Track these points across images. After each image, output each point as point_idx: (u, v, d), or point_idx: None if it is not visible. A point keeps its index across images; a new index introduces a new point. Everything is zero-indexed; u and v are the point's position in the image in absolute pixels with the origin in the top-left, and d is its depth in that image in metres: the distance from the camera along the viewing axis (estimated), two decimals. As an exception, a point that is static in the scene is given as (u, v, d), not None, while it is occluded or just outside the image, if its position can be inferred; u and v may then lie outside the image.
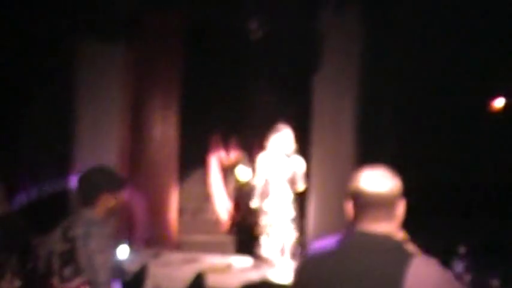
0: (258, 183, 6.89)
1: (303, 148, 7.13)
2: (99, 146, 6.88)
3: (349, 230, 2.27)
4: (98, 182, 3.47)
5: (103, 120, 7.01)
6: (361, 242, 2.21)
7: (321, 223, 7.18)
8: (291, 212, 6.81)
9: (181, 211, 8.11)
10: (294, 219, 6.82)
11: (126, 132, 7.39)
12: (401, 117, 7.69)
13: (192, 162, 8.31)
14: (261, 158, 6.90)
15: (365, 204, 2.22)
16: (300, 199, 7.07)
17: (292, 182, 6.85)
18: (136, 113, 7.52)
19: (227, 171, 8.48)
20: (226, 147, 8.51)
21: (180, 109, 7.76)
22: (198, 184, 8.52)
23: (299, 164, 6.87)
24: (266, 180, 6.84)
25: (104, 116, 7.03)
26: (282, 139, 6.78)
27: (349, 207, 2.27)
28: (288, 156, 6.81)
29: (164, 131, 7.68)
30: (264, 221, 6.79)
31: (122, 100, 7.23)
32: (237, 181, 8.09)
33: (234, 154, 8.45)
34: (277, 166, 6.82)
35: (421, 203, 5.46)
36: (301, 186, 6.90)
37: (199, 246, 7.54)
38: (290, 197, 6.83)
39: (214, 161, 8.44)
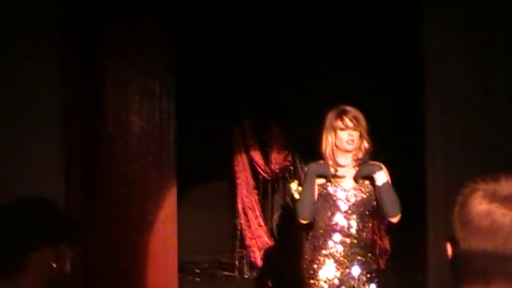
0: (303, 217, 4.16)
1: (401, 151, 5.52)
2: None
3: None
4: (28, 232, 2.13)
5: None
6: None
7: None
8: (370, 268, 4.12)
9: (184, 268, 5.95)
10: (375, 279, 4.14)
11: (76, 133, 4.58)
12: None
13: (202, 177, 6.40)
14: (311, 170, 4.12)
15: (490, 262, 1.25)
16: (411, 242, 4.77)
17: (372, 211, 4.12)
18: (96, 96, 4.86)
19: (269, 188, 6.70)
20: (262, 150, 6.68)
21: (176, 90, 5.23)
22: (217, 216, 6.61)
23: (380, 181, 4.04)
24: (324, 213, 4.08)
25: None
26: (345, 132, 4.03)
27: (450, 251, 1.35)
28: (359, 164, 4.13)
29: (151, 125, 5.03)
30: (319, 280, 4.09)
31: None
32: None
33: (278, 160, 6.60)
34: (341, 186, 4.11)
35: None
36: (392, 213, 4.05)
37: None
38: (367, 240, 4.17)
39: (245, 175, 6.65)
